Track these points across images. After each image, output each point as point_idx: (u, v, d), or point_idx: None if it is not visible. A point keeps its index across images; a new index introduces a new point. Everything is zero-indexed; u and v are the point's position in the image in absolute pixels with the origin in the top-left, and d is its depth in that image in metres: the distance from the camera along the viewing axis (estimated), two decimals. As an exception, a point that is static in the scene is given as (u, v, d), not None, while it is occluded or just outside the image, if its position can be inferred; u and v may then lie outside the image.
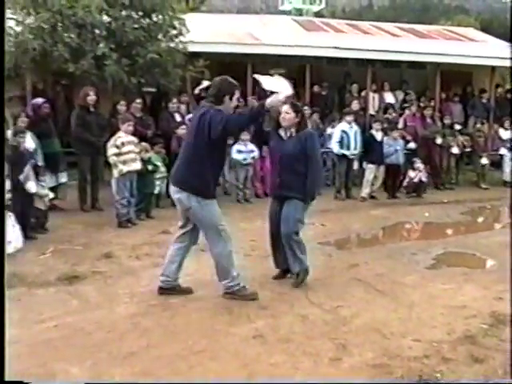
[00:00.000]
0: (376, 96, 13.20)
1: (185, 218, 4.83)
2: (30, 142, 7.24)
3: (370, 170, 10.48)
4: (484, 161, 12.43)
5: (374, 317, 4.51)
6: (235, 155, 9.65)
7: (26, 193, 6.62)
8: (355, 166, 10.84)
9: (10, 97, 9.57)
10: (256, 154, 9.77)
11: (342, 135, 10.30)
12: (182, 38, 10.28)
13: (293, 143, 5.16)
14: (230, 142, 9.17)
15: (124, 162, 7.50)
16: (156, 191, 8.47)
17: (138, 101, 9.63)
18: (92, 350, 3.79)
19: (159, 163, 8.41)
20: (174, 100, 10.50)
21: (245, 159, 9.75)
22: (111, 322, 4.32)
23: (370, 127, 11.27)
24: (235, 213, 8.20)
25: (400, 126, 11.73)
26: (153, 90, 11.20)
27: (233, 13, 48.20)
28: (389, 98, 13.35)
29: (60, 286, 5.13)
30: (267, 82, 4.88)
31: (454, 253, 6.85)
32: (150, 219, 8.13)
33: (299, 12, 45.58)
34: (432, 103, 12.92)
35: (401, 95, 13.67)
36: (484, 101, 13.80)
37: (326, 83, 13.18)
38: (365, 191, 10.42)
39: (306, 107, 10.44)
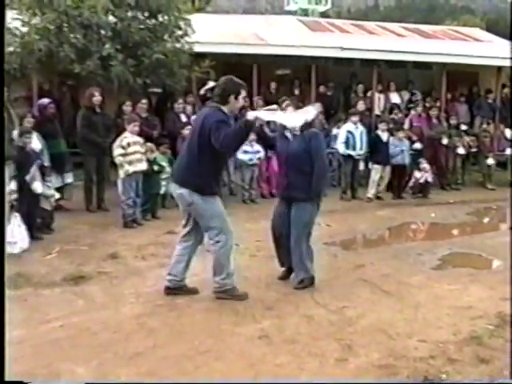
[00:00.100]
0: (382, 96, 13.15)
1: (187, 216, 4.83)
2: (36, 143, 7.24)
3: (376, 170, 10.47)
4: (490, 161, 12.37)
5: (379, 317, 4.51)
6: (241, 156, 9.62)
7: (32, 193, 6.63)
8: (361, 166, 10.82)
9: (16, 97, 9.62)
10: (262, 154, 9.75)
11: (348, 136, 10.29)
12: (187, 39, 10.26)
13: (298, 143, 5.16)
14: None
15: (130, 163, 7.53)
16: (162, 191, 8.47)
17: (144, 101, 9.64)
18: (98, 350, 3.80)
19: (165, 164, 8.41)
20: (180, 100, 10.54)
21: (251, 160, 9.73)
22: (117, 322, 4.32)
23: (376, 128, 11.25)
24: (241, 213, 8.21)
25: (406, 126, 11.70)
26: (159, 90, 11.19)
27: (238, 13, 48.14)
28: (395, 98, 13.30)
29: (66, 286, 5.14)
30: (281, 117, 4.82)
31: (459, 253, 6.83)
32: (155, 219, 8.14)
33: (305, 12, 45.71)
34: (438, 103, 12.85)
35: (406, 95, 13.63)
36: (490, 101, 13.71)
37: (332, 83, 13.17)
38: (371, 192, 10.41)
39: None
